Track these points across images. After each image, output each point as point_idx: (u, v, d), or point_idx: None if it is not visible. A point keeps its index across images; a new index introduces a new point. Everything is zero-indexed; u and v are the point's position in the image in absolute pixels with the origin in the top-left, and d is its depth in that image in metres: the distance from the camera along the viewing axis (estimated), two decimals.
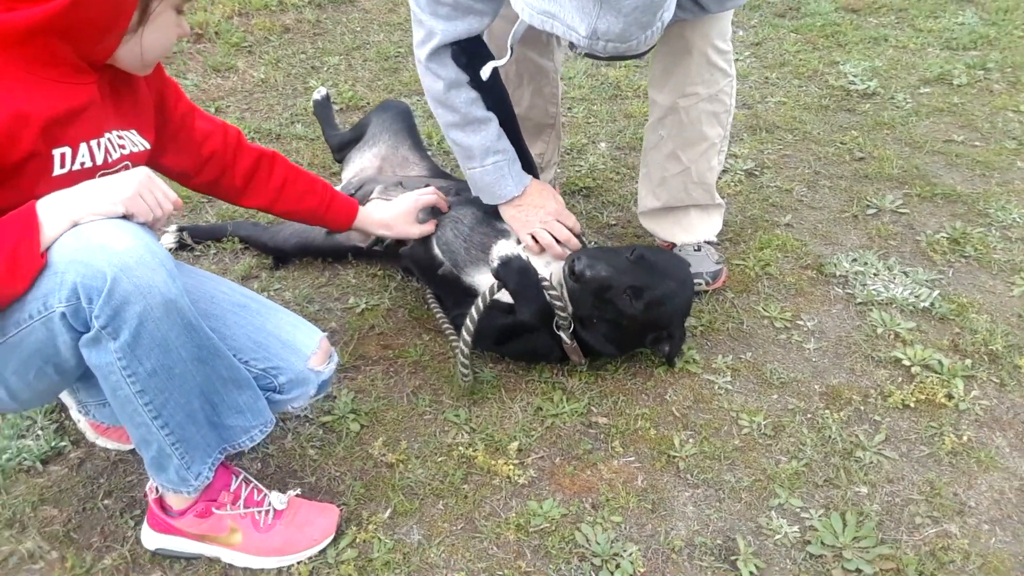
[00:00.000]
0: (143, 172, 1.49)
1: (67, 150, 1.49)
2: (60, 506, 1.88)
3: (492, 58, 2.03)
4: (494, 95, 2.23)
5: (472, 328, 2.11)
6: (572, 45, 1.79)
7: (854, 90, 3.91)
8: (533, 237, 2.24)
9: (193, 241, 2.71)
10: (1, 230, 1.37)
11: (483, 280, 2.23)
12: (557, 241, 2.25)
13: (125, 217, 1.45)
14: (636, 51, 1.80)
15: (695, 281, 2.53)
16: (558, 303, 2.14)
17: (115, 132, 1.60)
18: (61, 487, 1.93)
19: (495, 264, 2.16)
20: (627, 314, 2.10)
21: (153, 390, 1.50)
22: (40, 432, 2.04)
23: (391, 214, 2.27)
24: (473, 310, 2.12)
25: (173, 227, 2.73)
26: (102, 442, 2.01)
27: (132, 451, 2.00)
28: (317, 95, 3.15)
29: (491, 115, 2.22)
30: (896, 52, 4.33)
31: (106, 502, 1.89)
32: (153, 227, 1.50)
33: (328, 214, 2.12)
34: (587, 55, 1.84)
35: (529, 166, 2.34)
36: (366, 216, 2.22)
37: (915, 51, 4.33)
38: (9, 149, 1.40)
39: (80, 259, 1.38)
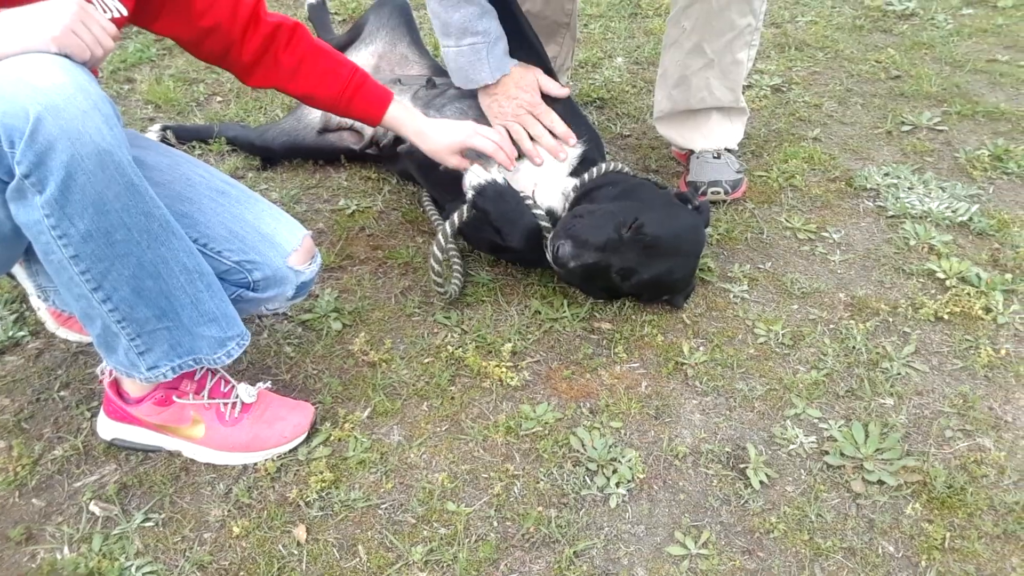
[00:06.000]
0: (74, 1, 1.29)
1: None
2: (13, 396, 1.74)
3: None
4: None
5: (440, 253, 1.92)
6: None
7: (891, 11, 3.66)
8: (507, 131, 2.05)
9: (178, 140, 2.55)
10: None
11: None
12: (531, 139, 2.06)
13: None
14: None
15: (713, 190, 2.36)
16: (546, 225, 1.96)
17: None
18: (15, 377, 1.79)
19: (470, 195, 1.96)
20: (620, 288, 1.94)
21: (89, 257, 1.33)
22: None
23: (435, 131, 1.94)
24: (440, 237, 1.94)
25: (157, 125, 2.57)
26: (63, 333, 1.87)
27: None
28: None
29: None
30: None
31: (62, 393, 1.75)
32: (90, 66, 1.32)
33: (353, 104, 1.85)
34: None
35: (526, 50, 2.13)
36: (401, 117, 1.91)
37: None
38: None
39: (0, 96, 1.21)
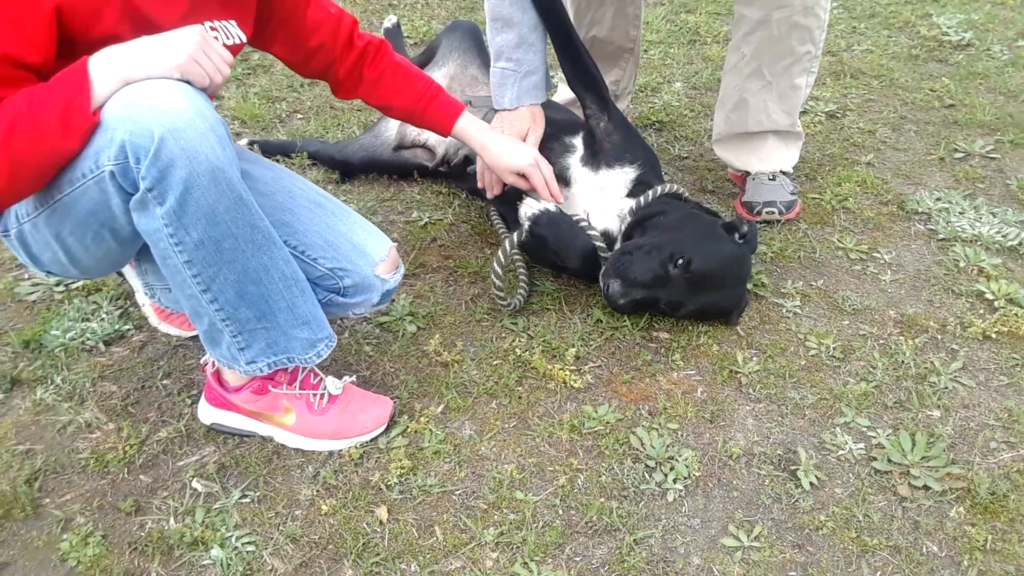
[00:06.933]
0: (198, 32, 1.43)
1: None
2: (119, 383, 1.91)
3: None
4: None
5: (500, 269, 2.08)
6: None
7: (947, 41, 3.74)
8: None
9: (263, 153, 2.72)
10: (53, 88, 1.34)
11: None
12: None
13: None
14: None
15: (767, 210, 2.47)
16: (601, 246, 2.10)
17: (209, 22, 1.58)
18: (121, 367, 1.96)
19: (527, 226, 2.11)
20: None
21: (201, 262, 1.48)
22: (105, 316, 2.07)
23: (500, 148, 2.06)
24: (500, 254, 2.09)
25: (244, 140, 2.76)
26: (164, 327, 2.04)
27: (193, 338, 2.02)
28: (388, 23, 3.15)
29: (520, 18, 2.11)
30: (994, 8, 4.13)
31: (164, 382, 1.92)
32: (208, 92, 1.48)
33: (426, 115, 2.00)
34: None
35: (583, 75, 2.24)
36: (470, 129, 2.04)
37: (1014, 7, 4.13)
38: (93, 22, 1.39)
39: (130, 116, 1.35)
